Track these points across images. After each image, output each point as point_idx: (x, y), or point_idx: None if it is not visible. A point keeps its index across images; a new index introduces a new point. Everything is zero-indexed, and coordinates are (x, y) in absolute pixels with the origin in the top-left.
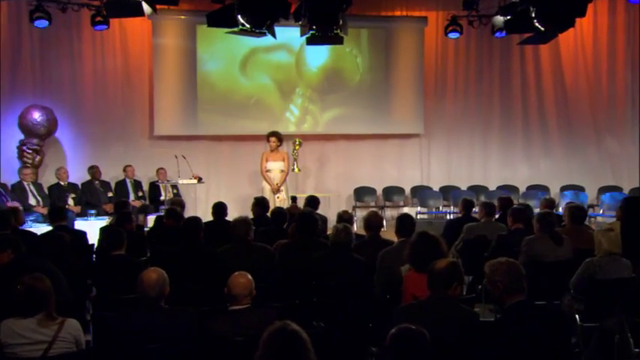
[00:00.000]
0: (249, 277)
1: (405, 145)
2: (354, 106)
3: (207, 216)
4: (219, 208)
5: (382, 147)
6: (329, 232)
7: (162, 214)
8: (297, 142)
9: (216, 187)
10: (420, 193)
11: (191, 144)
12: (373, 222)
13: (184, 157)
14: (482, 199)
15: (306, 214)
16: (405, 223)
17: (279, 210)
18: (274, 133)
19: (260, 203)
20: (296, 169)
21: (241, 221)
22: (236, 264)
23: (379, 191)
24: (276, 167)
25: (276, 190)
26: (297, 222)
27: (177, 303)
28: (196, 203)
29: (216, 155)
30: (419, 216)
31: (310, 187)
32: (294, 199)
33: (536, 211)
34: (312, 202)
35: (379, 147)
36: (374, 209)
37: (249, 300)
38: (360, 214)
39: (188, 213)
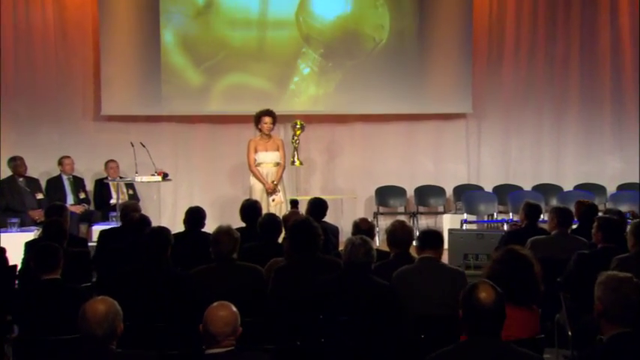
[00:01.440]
0: (233, 309)
1: (446, 129)
2: (377, 76)
3: (176, 225)
4: (194, 216)
5: (414, 132)
6: (341, 247)
7: (114, 223)
8: (297, 126)
9: (187, 187)
10: (467, 195)
11: (153, 128)
12: (401, 235)
13: (143, 146)
14: (554, 203)
15: (301, 223)
16: (430, 239)
17: (272, 218)
18: (267, 113)
19: (249, 208)
20: (296, 162)
21: (224, 233)
22: (216, 291)
23: (410, 192)
24: (269, 159)
25: (271, 191)
26: (288, 235)
27: (135, 345)
28: (161, 208)
29: (188, 143)
30: (465, 226)
31: (316, 186)
32: (294, 203)
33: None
34: (318, 207)
35: (410, 132)
36: (402, 217)
37: (233, 340)
38: (383, 224)
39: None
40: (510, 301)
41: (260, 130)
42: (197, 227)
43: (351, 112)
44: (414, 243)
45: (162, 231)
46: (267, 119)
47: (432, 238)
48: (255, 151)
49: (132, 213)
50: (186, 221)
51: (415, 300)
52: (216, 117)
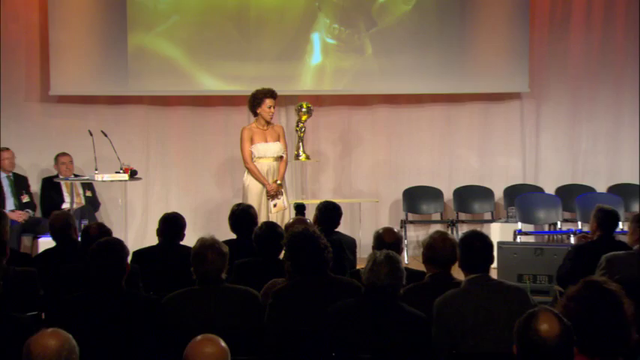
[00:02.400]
0: (222, 344)
1: (495, 113)
2: (406, 46)
3: (147, 237)
4: (171, 225)
5: (454, 117)
6: (360, 266)
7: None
8: (303, 109)
9: (162, 187)
10: (522, 198)
11: (117, 111)
12: (442, 249)
13: (105, 135)
14: (636, 209)
15: (301, 234)
16: (481, 252)
17: (271, 228)
18: (270, 93)
19: (242, 216)
20: (302, 156)
21: (209, 248)
22: (199, 322)
23: (447, 195)
24: (270, 152)
25: (273, 193)
26: (286, 250)
27: None
28: (127, 216)
29: (163, 132)
30: (520, 238)
31: (328, 187)
32: (300, 208)
33: None
34: (329, 213)
35: (448, 117)
36: (438, 227)
37: None
38: (413, 235)
39: (113, 234)
40: (587, 351)
41: (257, 116)
42: (174, 240)
43: (373, 92)
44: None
45: (113, 245)
46: (270, 102)
47: (482, 249)
48: (252, 142)
49: (92, 227)
50: (160, 232)
51: (465, 335)
52: (199, 98)
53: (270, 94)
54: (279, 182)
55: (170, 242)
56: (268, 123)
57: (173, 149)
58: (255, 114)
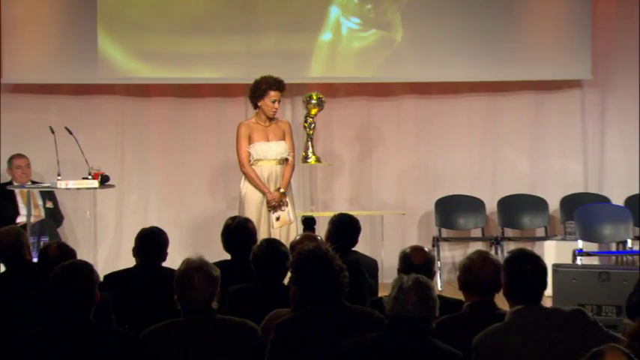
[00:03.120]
0: None
1: (550, 105)
2: (442, 24)
3: (121, 258)
4: (150, 243)
5: (498, 111)
6: (383, 293)
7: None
8: (313, 101)
9: (139, 197)
10: (583, 210)
11: (85, 103)
12: (482, 273)
13: (70, 132)
14: None
15: (310, 252)
16: (522, 273)
17: (273, 247)
18: (277, 84)
19: (238, 231)
20: (311, 159)
21: (197, 271)
22: None
23: (491, 206)
24: (272, 154)
25: (275, 203)
26: (291, 272)
27: None
28: (96, 231)
29: (140, 129)
30: (581, 260)
31: (343, 196)
32: (309, 222)
33: None
34: (344, 228)
35: (491, 111)
36: (479, 246)
37: None
38: (448, 256)
39: (80, 253)
40: None
41: (258, 109)
42: (154, 261)
43: (399, 79)
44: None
45: (79, 269)
46: (276, 95)
47: (533, 274)
48: (250, 142)
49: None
50: (137, 251)
51: None
52: (186, 87)
53: (276, 85)
54: (282, 190)
55: (149, 264)
56: (271, 118)
57: (153, 150)
58: (256, 106)
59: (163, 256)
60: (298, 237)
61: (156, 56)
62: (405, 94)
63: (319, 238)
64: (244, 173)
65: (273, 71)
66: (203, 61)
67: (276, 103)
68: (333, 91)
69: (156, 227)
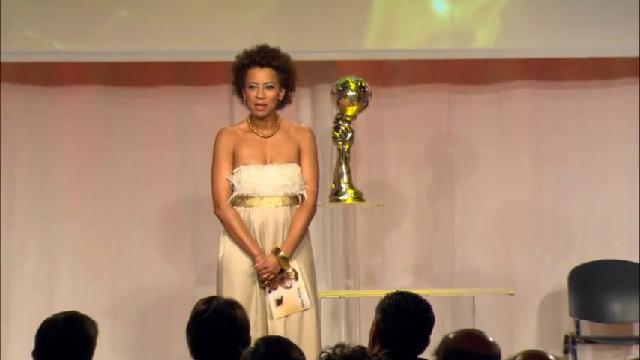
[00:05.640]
0: None
1: None
2: None
3: None
4: (63, 344)
5: None
6: None
7: None
8: (351, 92)
9: (40, 263)
10: None
11: None
12: None
13: None
14: None
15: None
16: None
17: (274, 352)
18: (255, 56)
19: (216, 325)
20: (347, 195)
21: None
22: None
23: None
24: (271, 185)
25: (269, 274)
26: None
27: None
28: None
29: (45, 140)
30: None
31: (402, 263)
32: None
33: None
34: (406, 318)
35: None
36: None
37: None
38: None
39: None
40: None
41: (246, 106)
42: None
43: (505, 56)
44: None
45: None
46: (261, 75)
47: None
48: (235, 162)
49: None
50: (38, 355)
51: None
52: (120, 69)
53: (259, 56)
54: (282, 254)
55: None
56: (274, 122)
57: (65, 177)
58: (242, 100)
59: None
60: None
61: (70, 19)
62: (515, 81)
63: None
64: (220, 219)
65: (276, 39)
66: (152, 25)
67: (262, 91)
68: (386, 74)
69: (73, 314)
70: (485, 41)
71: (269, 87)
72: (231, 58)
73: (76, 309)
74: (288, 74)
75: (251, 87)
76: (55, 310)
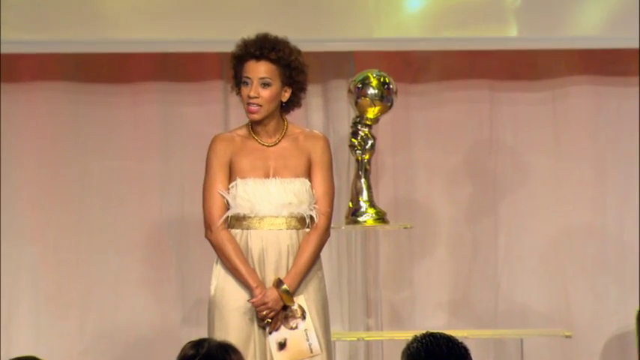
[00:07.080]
0: None
1: None
2: None
3: None
4: None
5: None
6: None
7: None
8: (372, 90)
9: (7, 295)
10: None
11: None
12: None
13: None
14: None
15: None
16: None
17: None
18: (250, 48)
19: None
20: (367, 216)
21: None
22: None
23: None
24: (273, 204)
25: (269, 311)
26: None
27: None
28: None
29: (8, 150)
30: None
31: (434, 298)
32: None
33: None
34: None
35: None
36: None
37: None
38: None
39: None
40: None
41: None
42: None
43: (556, 46)
44: None
45: None
46: (256, 70)
47: None
48: (232, 176)
49: None
50: None
51: None
52: (93, 62)
53: (254, 46)
54: (285, 287)
55: None
56: (280, 127)
57: (26, 192)
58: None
59: None
60: None
61: (29, 1)
62: (572, 76)
63: None
64: (212, 244)
65: (280, 26)
66: (130, 8)
67: (256, 89)
68: (414, 69)
69: (31, 358)
70: (534, 28)
71: (265, 84)
72: (225, 49)
73: (37, 354)
74: (293, 70)
75: (244, 83)
76: (11, 355)
